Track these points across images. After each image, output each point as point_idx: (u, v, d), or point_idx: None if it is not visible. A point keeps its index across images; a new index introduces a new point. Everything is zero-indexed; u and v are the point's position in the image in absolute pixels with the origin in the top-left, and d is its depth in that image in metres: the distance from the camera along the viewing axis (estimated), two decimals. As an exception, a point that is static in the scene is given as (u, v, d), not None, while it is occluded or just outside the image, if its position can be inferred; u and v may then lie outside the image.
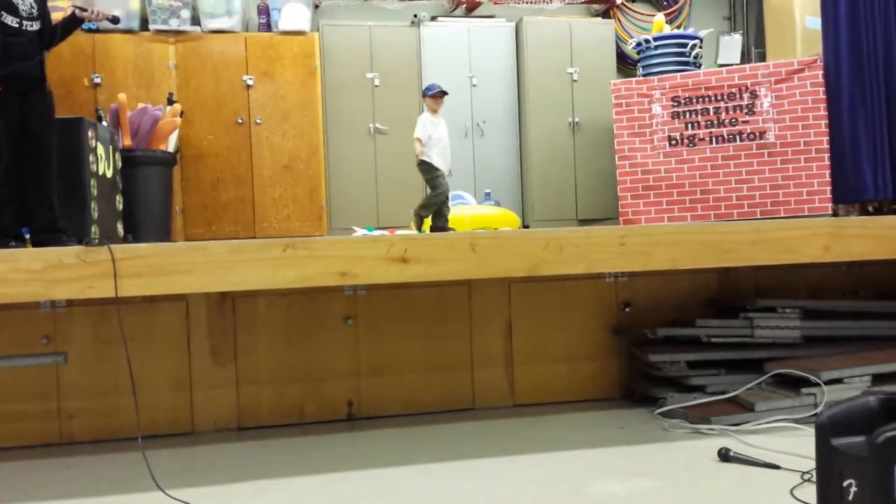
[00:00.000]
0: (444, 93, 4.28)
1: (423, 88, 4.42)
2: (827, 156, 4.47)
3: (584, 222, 6.59)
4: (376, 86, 6.58)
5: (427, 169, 4.21)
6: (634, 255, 3.32)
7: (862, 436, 1.65)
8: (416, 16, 6.71)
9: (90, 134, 4.14)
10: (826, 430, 1.75)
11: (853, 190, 4.45)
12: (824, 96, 4.52)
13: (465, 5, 6.89)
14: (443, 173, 4.23)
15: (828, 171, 4.47)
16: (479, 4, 6.89)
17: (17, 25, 3.48)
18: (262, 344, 3.84)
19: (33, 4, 3.55)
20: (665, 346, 3.94)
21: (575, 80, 6.78)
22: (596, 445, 3.27)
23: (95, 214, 4.14)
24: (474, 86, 6.72)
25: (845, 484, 1.66)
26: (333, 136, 6.51)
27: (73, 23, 3.72)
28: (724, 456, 2.94)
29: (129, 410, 3.29)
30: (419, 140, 4.17)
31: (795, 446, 2.99)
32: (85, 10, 3.70)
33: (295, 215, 6.25)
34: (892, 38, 4.44)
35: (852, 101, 4.44)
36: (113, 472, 3.13)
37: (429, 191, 4.28)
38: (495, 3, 6.89)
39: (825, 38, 4.58)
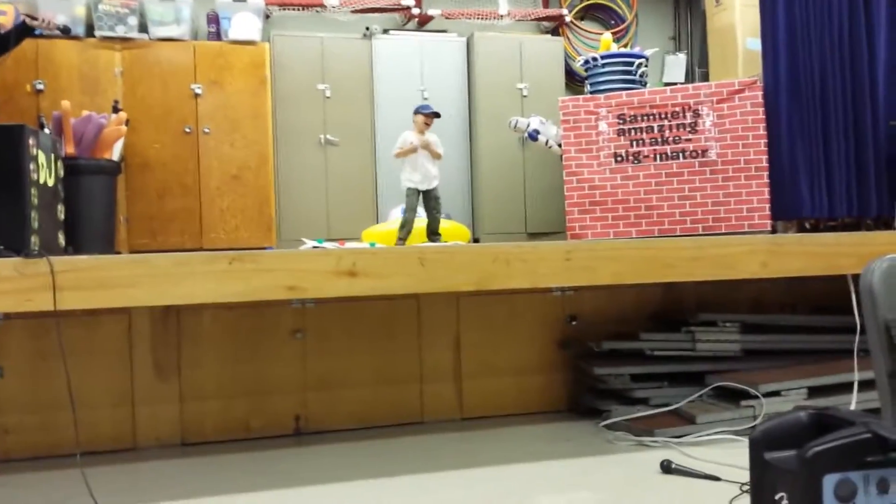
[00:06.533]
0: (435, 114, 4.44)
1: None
2: (766, 174, 4.60)
3: (532, 236, 6.66)
4: (327, 97, 6.56)
5: None
6: (580, 269, 3.37)
7: (793, 450, 1.71)
8: (368, 28, 6.71)
9: (31, 142, 4.02)
10: (759, 445, 1.80)
11: (791, 207, 4.59)
12: (763, 116, 4.65)
13: (417, 19, 6.92)
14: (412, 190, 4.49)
15: (767, 189, 4.60)
16: (431, 18, 6.92)
17: None
18: (208, 358, 3.79)
19: None
20: (610, 360, 4.01)
21: (525, 96, 6.86)
22: (542, 458, 3.30)
23: (36, 224, 4.02)
24: (426, 99, 6.73)
25: (777, 497, 1.71)
26: (283, 147, 6.46)
27: (23, 31, 3.64)
28: (667, 468, 3.01)
29: (69, 426, 3.20)
30: None
31: (735, 458, 3.06)
32: (35, 19, 3.62)
33: (243, 226, 6.17)
34: (828, 61, 4.60)
35: (790, 120, 4.59)
36: (51, 490, 3.05)
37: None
38: (447, 18, 6.93)
39: (765, 60, 4.72)
